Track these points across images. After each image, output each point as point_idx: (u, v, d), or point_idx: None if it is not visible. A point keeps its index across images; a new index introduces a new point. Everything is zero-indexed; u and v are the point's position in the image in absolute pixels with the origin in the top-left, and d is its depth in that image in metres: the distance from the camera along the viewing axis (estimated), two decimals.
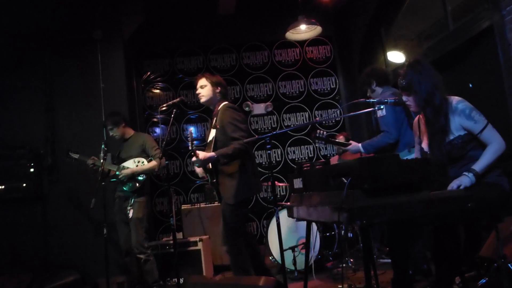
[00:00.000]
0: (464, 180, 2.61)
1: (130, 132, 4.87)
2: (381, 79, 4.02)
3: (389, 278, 3.79)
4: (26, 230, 5.32)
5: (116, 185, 4.75)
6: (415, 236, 3.72)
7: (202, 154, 3.53)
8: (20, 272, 4.78)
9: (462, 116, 2.78)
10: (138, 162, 4.63)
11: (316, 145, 3.86)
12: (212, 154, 3.55)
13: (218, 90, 3.87)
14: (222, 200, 3.71)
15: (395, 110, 3.76)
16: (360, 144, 3.95)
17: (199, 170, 3.87)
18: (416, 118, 3.17)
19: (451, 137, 2.80)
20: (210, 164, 3.67)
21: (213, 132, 3.77)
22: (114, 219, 4.70)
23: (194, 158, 3.55)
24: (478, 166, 2.65)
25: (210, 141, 3.77)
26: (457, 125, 2.80)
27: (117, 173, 4.59)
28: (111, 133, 4.78)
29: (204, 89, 3.86)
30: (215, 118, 3.82)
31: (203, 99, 3.89)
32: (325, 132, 3.78)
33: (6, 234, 5.26)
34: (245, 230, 3.88)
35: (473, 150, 2.79)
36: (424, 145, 3.00)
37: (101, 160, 4.44)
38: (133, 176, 4.57)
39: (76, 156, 4.80)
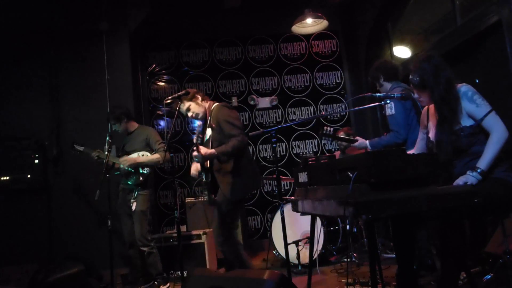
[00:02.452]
0: (470, 179, 2.59)
1: (134, 125, 4.84)
2: (389, 74, 3.95)
3: (393, 273, 3.79)
4: (31, 221, 5.35)
5: (120, 178, 4.75)
6: (418, 227, 3.70)
7: (203, 150, 3.55)
8: (25, 262, 4.81)
9: (465, 99, 2.75)
10: (142, 155, 4.62)
11: (323, 141, 3.85)
12: (212, 151, 3.59)
13: (199, 99, 3.89)
14: (213, 199, 3.78)
15: (405, 108, 3.71)
16: (367, 141, 3.92)
17: (193, 171, 3.88)
18: (425, 109, 3.12)
19: (457, 127, 2.77)
20: (208, 162, 3.73)
21: (208, 131, 3.83)
22: (118, 211, 4.70)
23: (195, 153, 3.54)
24: (483, 163, 2.62)
25: (206, 140, 3.83)
26: (463, 113, 2.77)
27: (121, 166, 4.58)
28: (113, 128, 4.78)
29: (192, 109, 3.87)
30: (209, 118, 3.86)
31: (199, 116, 3.90)
32: (332, 129, 3.76)
33: (11, 225, 5.30)
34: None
35: (478, 145, 2.75)
36: (431, 135, 2.95)
37: (106, 152, 4.45)
38: (137, 167, 4.57)
39: (81, 148, 4.79)
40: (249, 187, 3.86)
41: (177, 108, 3.86)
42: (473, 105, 2.73)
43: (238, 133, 3.65)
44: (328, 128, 3.70)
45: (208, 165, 3.77)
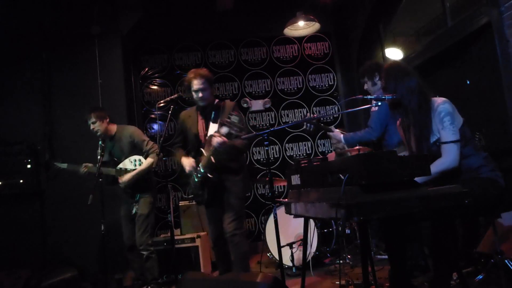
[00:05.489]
0: None
1: (114, 128, 4.66)
2: None
3: (386, 274, 3.81)
4: (23, 226, 5.32)
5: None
6: (412, 238, 3.73)
7: (224, 138, 3.41)
8: (18, 268, 4.77)
9: (436, 118, 2.79)
10: (135, 161, 4.48)
11: (305, 127, 3.88)
12: (226, 139, 3.43)
13: (214, 88, 3.89)
14: (211, 200, 3.75)
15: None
16: (342, 135, 3.99)
17: (188, 167, 3.73)
18: (399, 120, 3.18)
19: (434, 138, 2.81)
20: (213, 158, 3.60)
21: (214, 127, 3.65)
22: (121, 213, 4.63)
23: (219, 139, 3.38)
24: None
25: (211, 135, 3.62)
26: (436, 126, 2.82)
27: (116, 176, 4.49)
28: (92, 127, 4.52)
29: (206, 92, 3.73)
30: (213, 112, 3.76)
31: (204, 103, 3.77)
32: (315, 117, 3.83)
33: (3, 230, 5.26)
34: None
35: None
36: (413, 143, 3.01)
37: (99, 157, 4.35)
38: (135, 180, 4.47)
39: (63, 165, 4.67)
40: (249, 185, 3.99)
41: (189, 80, 3.72)
42: (440, 125, 2.77)
43: (244, 135, 3.55)
44: (313, 115, 3.75)
45: (214, 161, 3.61)
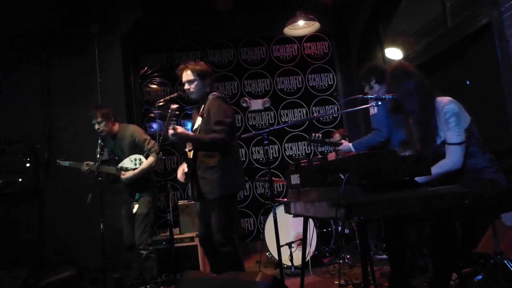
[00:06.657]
0: None
1: (116, 127, 4.63)
2: (381, 77, 4.01)
3: (385, 274, 3.81)
4: (22, 225, 5.31)
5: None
6: (411, 238, 3.73)
7: (180, 129, 3.35)
8: (16, 267, 4.76)
9: (442, 118, 2.77)
10: (135, 159, 4.47)
11: (312, 147, 3.91)
12: (189, 133, 3.41)
13: (208, 82, 3.65)
14: (196, 196, 3.61)
15: (387, 108, 3.76)
16: (350, 144, 4.00)
17: (180, 175, 3.67)
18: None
19: (441, 139, 2.81)
20: (191, 153, 3.57)
21: (199, 121, 3.62)
22: (121, 212, 4.62)
23: (171, 131, 3.33)
24: (421, 178, 2.58)
25: (195, 129, 3.63)
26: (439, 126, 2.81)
27: (117, 175, 4.49)
28: (97, 126, 4.49)
29: (193, 84, 3.61)
30: (203, 106, 3.63)
31: (194, 96, 3.67)
32: (320, 135, 3.81)
33: (2, 228, 5.26)
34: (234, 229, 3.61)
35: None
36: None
37: (98, 156, 4.33)
38: (137, 178, 4.47)
39: (66, 163, 4.63)
40: (231, 186, 3.52)
41: (180, 73, 3.67)
42: (445, 126, 2.76)
43: (221, 130, 3.41)
44: (317, 134, 3.75)
45: (191, 156, 3.56)
